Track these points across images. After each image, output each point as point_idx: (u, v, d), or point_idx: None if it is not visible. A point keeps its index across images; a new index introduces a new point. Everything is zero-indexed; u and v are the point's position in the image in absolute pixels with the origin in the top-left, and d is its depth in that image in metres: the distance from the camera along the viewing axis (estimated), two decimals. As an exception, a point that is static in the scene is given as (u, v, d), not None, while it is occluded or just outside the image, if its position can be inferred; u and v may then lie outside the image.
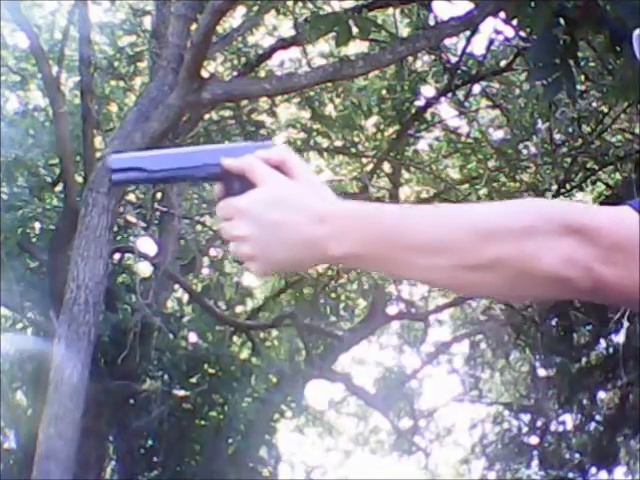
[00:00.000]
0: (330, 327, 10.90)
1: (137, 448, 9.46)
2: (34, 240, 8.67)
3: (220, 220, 1.19)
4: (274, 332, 11.44)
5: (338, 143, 9.84)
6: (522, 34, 7.28)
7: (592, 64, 7.69)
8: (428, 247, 1.09)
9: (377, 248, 1.11)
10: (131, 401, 8.97)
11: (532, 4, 5.13)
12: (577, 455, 11.72)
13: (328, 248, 1.13)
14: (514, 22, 6.75)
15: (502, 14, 6.66)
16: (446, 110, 9.84)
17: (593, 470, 11.38)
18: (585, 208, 1.11)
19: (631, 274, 1.04)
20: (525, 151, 9.48)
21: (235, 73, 8.96)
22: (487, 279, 1.08)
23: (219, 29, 7.50)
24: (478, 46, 12.38)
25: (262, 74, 8.66)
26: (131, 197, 9.06)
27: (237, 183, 1.18)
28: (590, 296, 1.08)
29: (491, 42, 8.51)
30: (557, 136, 9.18)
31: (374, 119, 9.76)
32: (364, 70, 6.39)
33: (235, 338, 10.92)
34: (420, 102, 9.32)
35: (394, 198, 10.01)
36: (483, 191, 9.90)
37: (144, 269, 9.97)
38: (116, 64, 9.19)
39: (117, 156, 1.24)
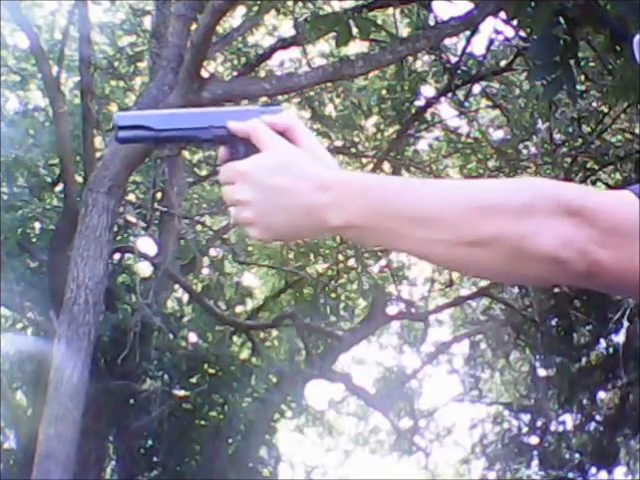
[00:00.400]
0: (330, 327, 10.90)
1: (137, 448, 9.46)
2: (34, 240, 8.67)
3: (223, 183, 1.17)
4: (274, 332, 11.44)
5: (338, 143, 9.84)
6: (522, 34, 7.28)
7: (592, 64, 7.69)
8: (426, 220, 1.07)
9: (377, 219, 1.09)
10: (131, 401, 8.97)
11: (532, 4, 5.13)
12: (577, 455, 11.71)
13: (328, 217, 1.11)
14: (514, 22, 6.76)
15: (502, 14, 6.66)
16: (446, 110, 9.86)
17: (593, 470, 11.38)
18: (585, 190, 1.09)
19: (628, 258, 1.03)
20: (525, 151, 9.49)
21: (235, 73, 8.96)
22: (483, 256, 1.07)
23: (219, 29, 7.50)
24: (478, 46, 12.37)
25: (262, 74, 8.66)
26: (131, 197, 9.06)
27: (242, 147, 1.16)
28: (585, 280, 1.07)
29: (491, 42, 8.51)
30: (557, 136, 9.18)
31: (374, 119, 9.77)
32: (364, 70, 6.39)
33: (235, 338, 10.92)
34: (420, 102, 9.32)
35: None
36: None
37: (144, 269, 9.97)
38: (116, 64, 9.20)
39: (123, 113, 1.22)
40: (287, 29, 9.11)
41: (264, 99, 6.51)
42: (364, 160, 10.00)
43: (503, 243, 1.05)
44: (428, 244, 1.09)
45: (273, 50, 8.58)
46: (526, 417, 12.52)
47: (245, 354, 11.01)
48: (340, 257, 10.85)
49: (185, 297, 9.90)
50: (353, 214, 1.10)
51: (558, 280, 1.10)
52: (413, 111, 9.34)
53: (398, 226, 1.09)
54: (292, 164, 1.13)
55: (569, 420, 11.86)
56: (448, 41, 8.22)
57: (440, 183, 1.14)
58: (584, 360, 11.44)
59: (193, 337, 9.80)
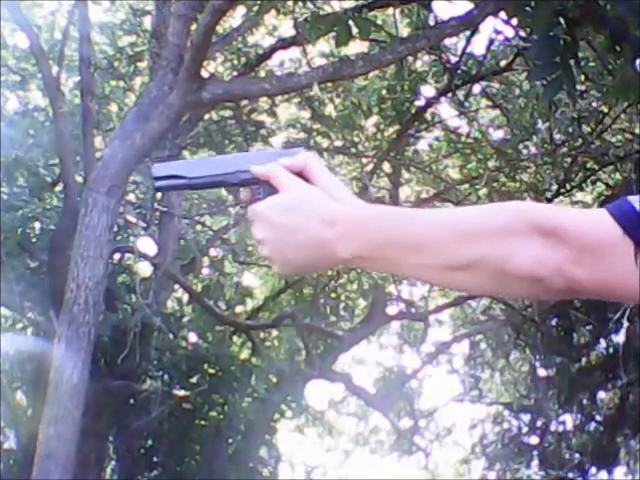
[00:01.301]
0: (330, 327, 10.90)
1: (137, 448, 9.46)
2: (34, 240, 8.67)
3: (250, 224, 1.28)
4: (274, 332, 11.44)
5: (338, 143, 9.84)
6: (522, 34, 7.28)
7: (592, 64, 7.69)
8: (417, 248, 1.15)
9: (377, 250, 1.17)
10: (131, 401, 8.97)
11: (532, 4, 5.12)
12: (577, 455, 11.71)
13: (337, 250, 1.19)
14: (514, 22, 6.75)
15: (502, 14, 6.66)
16: (446, 110, 9.85)
17: (593, 470, 11.38)
18: (559, 210, 1.15)
19: (600, 274, 1.08)
20: (525, 151, 9.48)
21: (235, 73, 8.96)
22: (469, 278, 1.14)
23: (219, 29, 7.51)
24: (478, 46, 12.39)
25: (262, 74, 8.66)
26: (131, 197, 9.06)
27: (265, 189, 1.26)
28: (565, 295, 1.13)
29: (491, 42, 8.51)
30: (557, 136, 9.17)
31: (374, 119, 9.76)
32: (364, 70, 6.39)
33: (235, 338, 10.92)
34: (420, 102, 9.32)
35: (394, 198, 10.01)
36: (483, 191, 9.89)
37: (144, 269, 9.97)
38: (116, 64, 9.20)
39: (158, 164, 1.32)
40: (287, 29, 9.11)
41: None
42: (364, 160, 10.00)
43: (485, 266, 1.12)
44: (422, 269, 1.17)
45: (273, 50, 8.59)
46: (526, 417, 12.52)
47: (245, 354, 11.01)
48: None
49: (185, 297, 9.90)
50: (357, 247, 1.18)
51: (543, 296, 1.17)
52: (413, 111, 9.34)
53: (395, 254, 1.17)
54: (303, 202, 1.22)
55: (569, 420, 11.86)
56: (448, 41, 8.22)
57: (429, 213, 1.22)
58: (584, 360, 11.44)
59: (193, 337, 9.80)
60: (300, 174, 1.26)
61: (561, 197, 9.85)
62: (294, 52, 8.92)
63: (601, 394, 11.72)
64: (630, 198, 1.11)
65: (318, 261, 1.23)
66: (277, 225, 1.22)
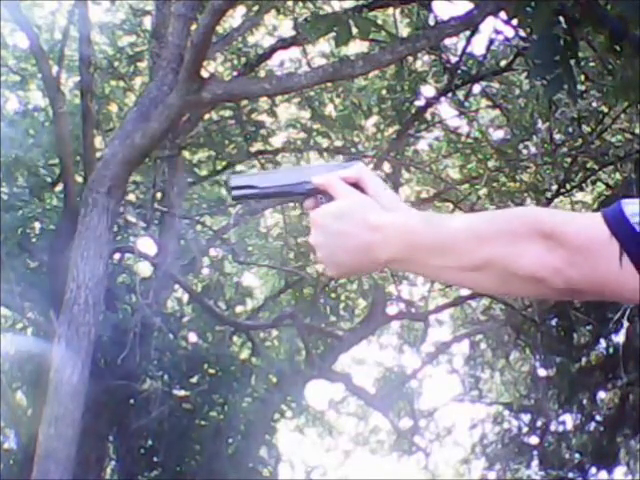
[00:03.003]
0: (330, 327, 10.90)
1: (137, 448, 9.45)
2: (34, 240, 8.66)
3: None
4: (274, 332, 11.43)
5: (338, 143, 9.83)
6: (522, 34, 7.28)
7: (592, 64, 7.69)
8: (443, 250, 1.27)
9: (410, 253, 1.29)
10: (131, 401, 8.96)
11: (532, 3, 5.12)
12: (577, 455, 11.71)
13: (379, 254, 1.31)
14: (514, 22, 6.75)
15: (502, 14, 6.66)
16: (446, 110, 9.85)
17: (593, 470, 11.38)
18: (558, 214, 1.23)
19: (591, 275, 1.16)
20: (525, 151, 9.48)
21: (235, 73, 8.96)
22: (483, 278, 1.25)
23: (219, 29, 7.51)
24: (478, 46, 12.40)
25: (262, 74, 8.66)
26: (131, 197, 9.06)
27: (325, 198, 1.39)
28: (566, 295, 1.22)
29: (491, 42, 8.51)
30: (557, 136, 9.17)
31: (374, 119, 9.76)
32: (364, 70, 6.39)
33: (235, 338, 10.91)
34: (420, 102, 9.32)
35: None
36: (483, 191, 9.90)
37: (144, 269, 9.97)
38: (116, 64, 9.19)
39: (235, 175, 1.49)
40: (287, 29, 9.11)
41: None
42: (364, 160, 10.00)
43: (495, 267, 1.22)
44: (443, 270, 1.28)
45: (273, 50, 8.59)
46: (526, 417, 12.52)
47: (245, 354, 11.00)
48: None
49: (185, 297, 9.90)
50: (394, 250, 1.30)
51: (547, 296, 1.25)
52: (413, 111, 9.34)
53: (423, 257, 1.28)
54: (354, 210, 1.34)
55: (569, 420, 11.86)
56: (448, 41, 8.22)
57: (450, 217, 1.34)
58: (584, 360, 11.44)
59: (193, 337, 9.79)
60: (356, 185, 1.37)
61: (561, 197, 9.85)
62: (294, 52, 8.93)
63: (601, 394, 11.72)
64: (623, 200, 1.16)
65: (365, 264, 1.34)
66: (330, 230, 1.34)
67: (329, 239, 1.34)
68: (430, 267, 1.29)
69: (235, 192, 1.46)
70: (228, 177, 1.50)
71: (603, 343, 11.26)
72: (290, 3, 8.22)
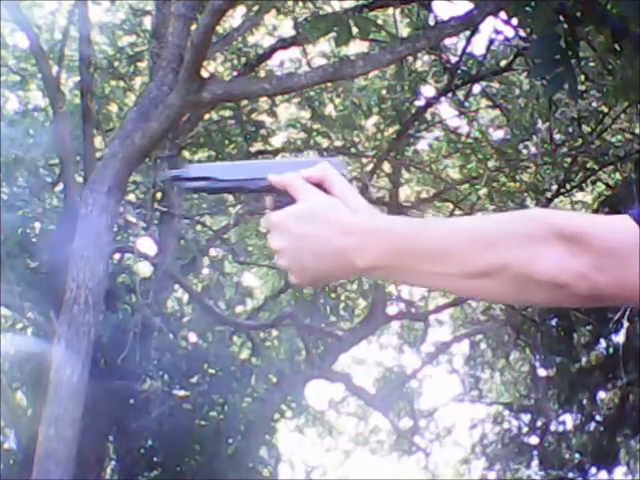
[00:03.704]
0: (330, 327, 10.90)
1: (137, 448, 9.45)
2: (34, 240, 8.67)
3: (266, 232, 1.28)
4: (274, 332, 11.43)
5: (338, 143, 9.84)
6: (522, 34, 7.28)
7: (592, 64, 7.69)
8: (435, 256, 1.16)
9: (395, 260, 1.18)
10: (131, 401, 8.97)
11: (532, 3, 5.12)
12: (577, 455, 11.71)
13: (355, 260, 1.20)
14: (514, 22, 6.75)
15: (502, 14, 6.66)
16: (446, 110, 9.86)
17: (593, 470, 11.38)
18: (581, 216, 1.16)
19: (624, 279, 1.08)
20: (525, 151, 9.48)
21: (235, 73, 8.97)
22: (490, 285, 1.15)
23: (219, 29, 7.50)
24: (478, 46, 12.39)
25: (262, 74, 8.66)
26: (131, 197, 9.06)
27: (283, 198, 1.27)
28: (589, 301, 1.13)
29: (491, 42, 8.51)
30: (557, 136, 9.17)
31: (374, 119, 9.76)
32: (364, 70, 6.39)
33: (235, 338, 10.92)
34: (420, 102, 9.32)
35: (394, 198, 10.02)
36: (483, 191, 9.90)
37: (144, 269, 9.97)
38: (116, 64, 9.20)
39: (192, 165, 1.37)
40: (287, 29, 9.12)
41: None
42: (364, 160, 10.00)
43: (508, 272, 1.12)
44: (440, 278, 1.18)
45: (273, 50, 8.59)
46: (526, 417, 12.52)
47: (245, 354, 11.00)
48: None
49: (185, 297, 9.90)
50: (374, 256, 1.18)
51: (564, 303, 1.16)
52: (413, 111, 9.34)
53: (412, 263, 1.17)
54: (320, 212, 1.22)
55: (569, 420, 11.86)
56: (448, 41, 8.22)
57: (447, 220, 1.27)
58: (584, 360, 11.44)
59: (193, 337, 9.79)
60: (319, 185, 1.26)
61: (561, 197, 9.85)
62: (294, 52, 8.93)
63: (601, 394, 11.72)
64: None
65: (335, 271, 1.23)
66: (295, 234, 1.23)
67: (293, 243, 1.23)
68: (423, 275, 1.18)
69: (189, 183, 1.34)
70: (185, 166, 1.44)
71: (603, 343, 11.26)
72: (290, 3, 8.23)
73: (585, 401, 11.65)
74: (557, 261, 1.09)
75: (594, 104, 8.81)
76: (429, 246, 1.16)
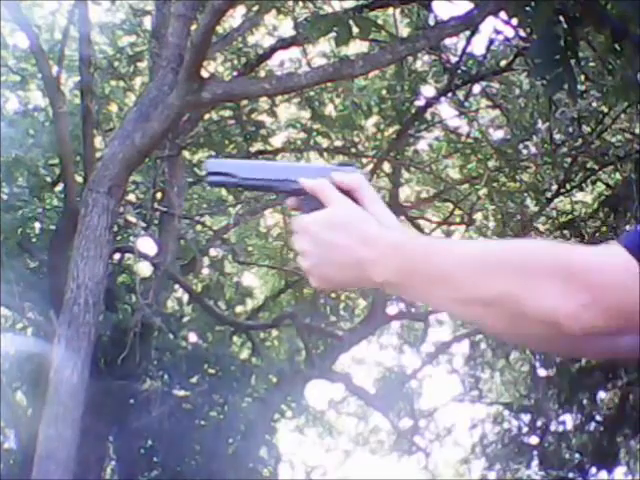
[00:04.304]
0: (330, 327, 10.90)
1: (137, 448, 9.45)
2: (34, 240, 8.67)
3: (292, 233, 1.31)
4: (274, 332, 11.44)
5: (338, 143, 9.84)
6: (522, 34, 7.28)
7: (592, 64, 7.68)
8: (442, 280, 1.17)
9: (406, 278, 1.19)
10: (131, 401, 8.97)
11: (532, 3, 5.12)
12: (577, 455, 11.70)
13: (372, 272, 1.22)
14: (514, 22, 6.75)
15: (502, 14, 6.66)
16: (446, 110, 9.85)
17: (593, 470, 11.37)
18: (577, 251, 1.13)
19: (620, 310, 1.07)
20: (525, 151, 9.48)
21: (235, 73, 8.96)
22: (490, 315, 1.15)
23: (219, 29, 7.50)
24: (478, 46, 12.38)
25: (262, 74, 8.66)
26: (131, 197, 9.06)
27: (312, 201, 1.29)
28: (580, 342, 1.15)
29: (491, 42, 8.51)
30: (557, 136, 9.17)
31: (374, 119, 9.76)
32: (364, 70, 6.38)
33: (235, 338, 10.92)
34: (420, 102, 9.32)
35: (394, 198, 10.01)
36: (483, 191, 9.90)
37: (144, 269, 9.96)
38: (116, 64, 9.19)
39: (213, 160, 1.39)
40: (287, 29, 9.11)
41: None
42: (364, 160, 10.00)
43: (504, 303, 1.12)
44: (447, 302, 1.19)
45: (273, 50, 8.58)
46: (526, 417, 12.52)
47: (245, 354, 11.00)
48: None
49: (185, 297, 9.90)
50: (388, 272, 1.20)
51: (555, 340, 1.17)
52: (413, 111, 9.34)
53: (423, 285, 1.19)
54: (347, 221, 1.25)
55: (569, 420, 11.85)
56: (448, 41, 8.21)
57: (458, 245, 1.28)
58: (584, 360, 11.43)
59: (193, 337, 9.79)
60: (349, 194, 1.28)
61: (561, 197, 9.85)
62: (294, 52, 8.92)
63: (601, 394, 11.72)
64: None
65: (354, 280, 1.25)
66: (320, 240, 1.25)
67: (318, 249, 1.25)
68: (430, 296, 1.21)
69: (212, 177, 1.36)
70: (206, 161, 1.43)
71: (603, 343, 11.24)
72: (290, 3, 8.22)
73: (585, 401, 11.64)
74: (553, 299, 1.08)
75: (594, 104, 8.81)
76: (438, 270, 1.17)
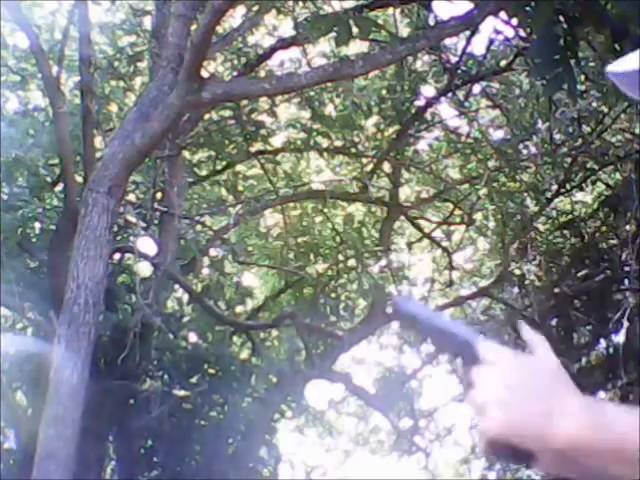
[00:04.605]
0: (330, 327, 10.89)
1: (137, 448, 9.45)
2: (34, 240, 8.66)
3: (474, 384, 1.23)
4: (274, 332, 11.43)
5: (338, 143, 9.83)
6: (522, 34, 7.28)
7: (592, 64, 7.69)
8: (628, 458, 1.13)
9: (598, 435, 1.17)
10: (131, 401, 8.96)
11: (532, 3, 5.12)
12: (577, 455, 11.68)
13: (556, 438, 1.17)
14: (514, 22, 6.75)
15: (502, 14, 6.66)
16: (446, 110, 9.85)
17: (593, 470, 11.35)
18: None
19: None
20: (525, 151, 9.48)
21: (235, 73, 8.97)
22: None
23: (219, 29, 7.51)
24: (478, 46, 12.38)
25: (262, 74, 8.66)
26: (131, 197, 9.06)
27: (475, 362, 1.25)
28: None
29: (491, 42, 8.51)
30: (557, 136, 9.17)
31: (374, 119, 9.76)
32: (364, 70, 6.38)
33: (235, 338, 10.91)
34: (420, 102, 9.32)
35: (394, 198, 10.02)
36: (483, 191, 9.90)
37: (144, 269, 9.95)
38: (116, 64, 9.19)
39: (403, 298, 1.38)
40: (287, 29, 9.12)
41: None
42: (364, 160, 10.00)
43: None
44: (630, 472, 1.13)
45: (273, 50, 8.59)
46: (526, 417, 12.49)
47: (245, 354, 11.00)
48: (340, 257, 10.85)
49: (185, 297, 9.89)
50: (577, 441, 1.16)
51: None
52: (413, 111, 9.34)
53: (601, 461, 1.15)
54: (556, 369, 1.24)
55: (569, 420, 11.82)
56: (448, 41, 8.22)
57: (629, 419, 1.20)
58: (584, 360, 11.43)
59: (193, 337, 9.79)
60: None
61: (561, 197, 9.85)
62: (294, 52, 8.93)
63: (601, 394, 11.71)
64: None
65: (535, 435, 1.19)
66: (521, 387, 1.20)
67: (516, 397, 1.18)
68: (614, 467, 1.14)
69: (401, 315, 1.33)
70: (395, 297, 1.66)
71: (603, 343, 11.25)
72: (290, 3, 8.22)
73: (585, 401, 11.62)
74: None
75: (594, 104, 8.81)
76: (622, 445, 1.14)
